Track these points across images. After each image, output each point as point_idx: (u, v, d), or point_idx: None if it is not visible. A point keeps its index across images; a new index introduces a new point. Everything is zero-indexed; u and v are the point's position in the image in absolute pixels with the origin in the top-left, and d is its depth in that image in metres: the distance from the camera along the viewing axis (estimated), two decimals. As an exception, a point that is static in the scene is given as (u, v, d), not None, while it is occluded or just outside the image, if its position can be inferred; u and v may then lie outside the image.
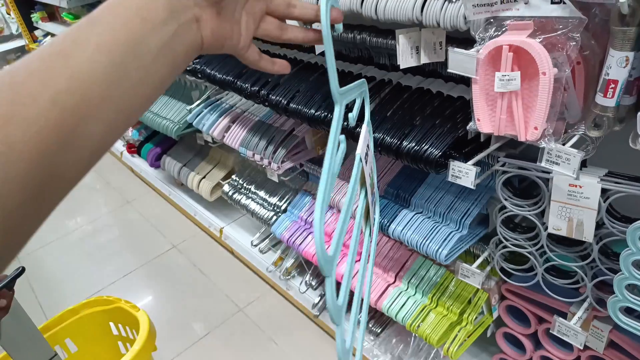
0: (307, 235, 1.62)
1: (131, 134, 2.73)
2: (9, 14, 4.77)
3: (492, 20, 0.89)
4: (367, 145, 0.60)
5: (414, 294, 1.35)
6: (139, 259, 2.39)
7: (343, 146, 0.46)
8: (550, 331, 1.07)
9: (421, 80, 1.19)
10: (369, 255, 0.67)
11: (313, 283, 1.78)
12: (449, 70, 0.93)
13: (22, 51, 5.17)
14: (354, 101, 0.59)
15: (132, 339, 1.52)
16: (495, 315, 1.28)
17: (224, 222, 2.28)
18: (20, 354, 1.02)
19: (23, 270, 0.97)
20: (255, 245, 2.05)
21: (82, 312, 1.53)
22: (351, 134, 1.13)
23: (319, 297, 1.73)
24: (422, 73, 1.20)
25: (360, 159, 0.54)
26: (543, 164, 0.88)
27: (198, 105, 1.89)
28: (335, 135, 0.42)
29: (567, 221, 0.94)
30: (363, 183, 0.61)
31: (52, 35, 3.32)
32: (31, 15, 3.41)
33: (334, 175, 0.41)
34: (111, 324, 1.54)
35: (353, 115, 0.54)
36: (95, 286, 2.25)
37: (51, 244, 2.65)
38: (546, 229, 0.98)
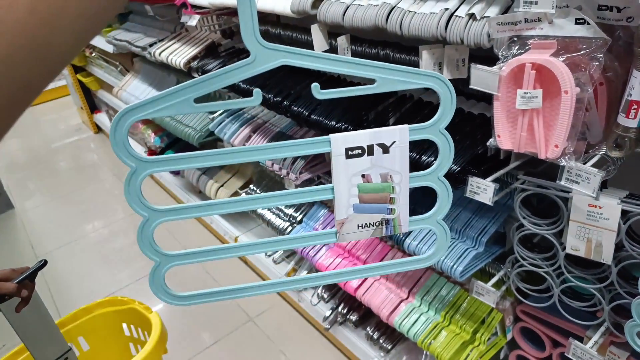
0: (322, 247, 1.63)
1: (153, 140, 2.78)
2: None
3: (515, 38, 0.90)
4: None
5: (427, 311, 1.34)
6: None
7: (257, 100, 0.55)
8: (566, 354, 1.05)
9: (442, 96, 1.20)
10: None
11: (325, 296, 1.77)
12: (470, 86, 0.94)
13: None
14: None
15: (143, 340, 1.53)
16: (509, 336, 1.26)
17: (240, 231, 2.29)
18: (36, 346, 1.04)
19: (45, 263, 1.00)
20: (269, 256, 2.06)
21: (95, 311, 1.54)
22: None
23: (330, 310, 1.72)
24: (444, 90, 1.21)
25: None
26: (563, 183, 0.88)
27: (220, 114, 1.93)
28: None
29: (585, 242, 0.93)
30: None
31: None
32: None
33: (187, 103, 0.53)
34: (124, 324, 1.55)
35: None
36: (109, 288, 2.28)
37: (68, 245, 2.70)
38: (564, 249, 0.97)
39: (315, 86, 0.55)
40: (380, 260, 1.47)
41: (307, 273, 1.86)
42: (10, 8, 0.28)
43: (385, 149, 0.61)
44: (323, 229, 1.66)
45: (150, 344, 1.27)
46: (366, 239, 1.53)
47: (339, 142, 0.58)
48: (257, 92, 0.56)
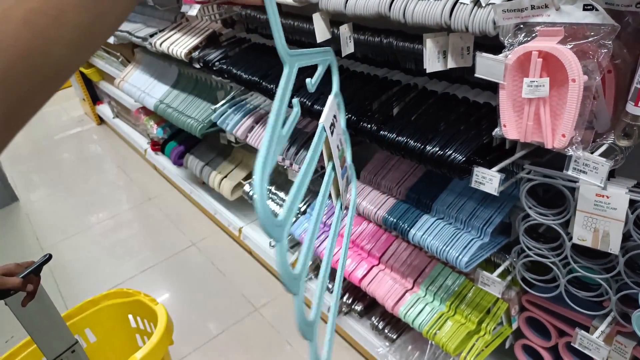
0: (326, 238, 1.62)
1: (156, 131, 2.78)
2: None
3: (521, 26, 0.89)
4: (335, 117, 0.62)
5: (432, 301, 1.34)
6: (158, 255, 2.42)
7: (297, 110, 0.47)
8: (572, 344, 1.05)
9: (447, 85, 1.18)
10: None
11: (330, 286, 1.77)
12: (476, 75, 0.92)
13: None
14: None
15: (149, 332, 1.54)
16: (514, 326, 1.26)
17: (244, 222, 2.29)
18: (43, 339, 1.04)
19: (50, 257, 1.00)
20: (274, 246, 2.06)
21: (102, 303, 1.55)
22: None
23: (335, 301, 1.72)
24: (448, 78, 1.19)
25: (324, 128, 0.55)
26: (570, 172, 0.87)
27: (223, 105, 1.92)
28: (282, 95, 0.43)
29: (592, 232, 0.92)
30: (330, 157, 0.62)
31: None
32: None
33: (280, 138, 0.42)
34: (130, 316, 1.56)
35: (312, 82, 0.56)
36: (114, 280, 2.29)
37: (73, 237, 2.71)
38: (570, 239, 0.96)
39: (308, 81, 0.55)
40: (386, 250, 1.47)
41: (312, 263, 1.86)
42: (3, 20, 0.27)
43: (335, 118, 0.66)
44: (327, 219, 1.65)
45: (156, 335, 1.28)
46: (370, 230, 1.52)
47: (327, 123, 0.60)
48: (297, 104, 0.53)
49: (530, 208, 1.00)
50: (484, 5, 0.91)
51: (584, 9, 0.81)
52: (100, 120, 4.23)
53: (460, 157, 1.00)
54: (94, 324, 1.55)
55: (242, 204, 2.31)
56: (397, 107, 1.22)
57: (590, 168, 0.85)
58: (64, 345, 1.14)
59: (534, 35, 0.87)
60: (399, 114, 1.19)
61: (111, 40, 2.69)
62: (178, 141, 2.66)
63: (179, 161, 2.61)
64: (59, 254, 2.54)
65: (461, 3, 0.93)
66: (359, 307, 1.64)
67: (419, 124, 1.13)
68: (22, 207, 3.16)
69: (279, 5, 1.58)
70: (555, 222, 0.98)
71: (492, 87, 1.09)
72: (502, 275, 1.12)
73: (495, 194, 0.97)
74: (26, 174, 3.62)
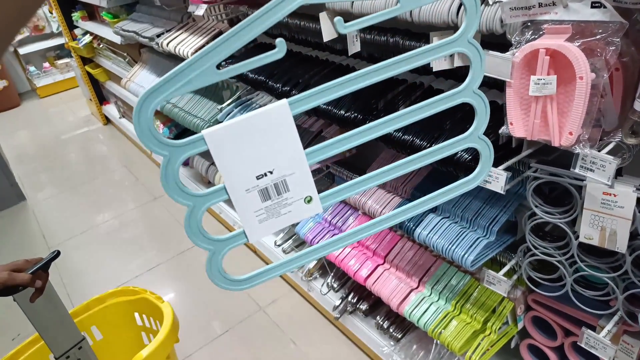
0: (332, 237, 1.62)
1: (162, 131, 2.79)
2: (51, 12, 4.96)
3: (529, 23, 0.89)
4: None
5: (437, 300, 1.34)
6: (164, 254, 2.43)
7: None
8: (578, 343, 1.04)
9: (453, 84, 1.19)
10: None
11: (335, 285, 1.77)
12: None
13: (61, 49, 5.36)
14: None
15: (155, 330, 1.54)
16: (520, 325, 1.26)
17: (249, 222, 2.30)
18: (51, 335, 1.05)
19: (58, 253, 1.00)
20: (279, 245, 2.07)
21: (108, 301, 1.56)
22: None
23: (340, 300, 1.73)
24: (455, 77, 1.19)
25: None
26: (577, 170, 0.87)
27: (229, 104, 1.93)
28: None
29: (599, 230, 0.92)
30: None
31: (91, 33, 3.43)
32: (72, 15, 3.53)
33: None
34: (136, 314, 1.57)
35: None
36: (120, 278, 2.30)
37: (79, 236, 2.72)
38: (577, 238, 0.96)
39: (338, 20, 0.55)
40: (391, 250, 1.47)
41: (316, 262, 1.86)
42: None
43: None
44: (332, 218, 1.65)
45: (162, 333, 1.28)
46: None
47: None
48: (280, 42, 0.54)
49: (536, 206, 1.00)
50: (491, 3, 0.91)
51: (592, 7, 0.81)
52: (107, 120, 4.26)
53: (466, 156, 1.00)
54: (100, 321, 1.56)
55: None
56: (403, 105, 1.22)
57: (597, 166, 0.85)
58: (71, 341, 1.15)
59: (541, 33, 0.87)
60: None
61: (118, 40, 2.70)
62: (184, 141, 2.67)
63: (186, 161, 2.62)
64: (66, 253, 2.55)
65: (468, 1, 0.93)
66: (363, 307, 1.64)
67: (424, 122, 1.13)
68: (29, 207, 3.18)
69: (285, 4, 1.59)
70: (562, 220, 0.97)
71: (499, 86, 1.09)
72: (508, 274, 1.12)
73: (502, 192, 0.97)
74: (33, 173, 3.65)
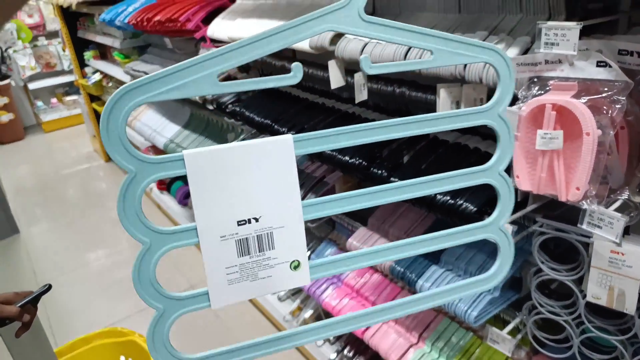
0: (329, 286, 1.58)
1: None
2: (64, 50, 5.09)
3: (535, 79, 0.90)
4: None
5: (438, 358, 1.28)
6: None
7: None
8: (586, 410, 0.99)
9: (458, 136, 1.19)
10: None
11: (331, 338, 1.71)
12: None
13: (70, 86, 5.47)
14: None
15: (140, 375, 1.47)
16: (523, 388, 1.20)
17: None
18: (31, 375, 1.00)
19: (49, 287, 0.97)
20: (283, 301, 2.01)
21: (94, 342, 1.50)
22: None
23: (336, 353, 1.66)
24: (460, 129, 1.20)
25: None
26: (584, 227, 0.86)
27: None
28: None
29: (607, 290, 0.90)
30: None
31: (101, 72, 3.51)
32: (84, 53, 3.63)
33: None
34: (122, 357, 1.50)
35: None
36: (109, 319, 2.23)
37: (70, 273, 2.66)
38: (584, 297, 0.93)
39: (364, 58, 0.51)
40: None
41: (313, 312, 1.81)
42: None
43: None
44: (331, 266, 1.62)
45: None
46: (375, 281, 1.49)
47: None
48: (297, 66, 0.49)
49: (542, 263, 0.98)
50: (498, 58, 0.93)
51: (598, 65, 0.82)
52: (108, 158, 4.27)
53: (471, 207, 0.99)
54: (83, 364, 1.49)
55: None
56: (407, 155, 1.22)
57: (605, 223, 0.84)
58: (52, 383, 1.09)
59: (547, 88, 0.88)
60: (409, 162, 1.19)
61: (128, 79, 2.76)
62: (185, 181, 2.67)
63: (184, 201, 2.60)
64: (54, 290, 2.46)
65: (475, 56, 0.95)
66: (360, 360, 1.57)
67: (429, 172, 1.12)
68: (22, 240, 3.13)
69: (292, 51, 1.63)
70: (569, 278, 0.95)
71: (504, 139, 1.10)
72: (512, 333, 1.08)
73: (507, 246, 0.95)
74: (29, 206, 3.62)
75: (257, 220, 0.49)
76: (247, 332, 2.03)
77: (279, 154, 0.49)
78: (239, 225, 0.49)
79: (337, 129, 0.51)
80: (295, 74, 0.49)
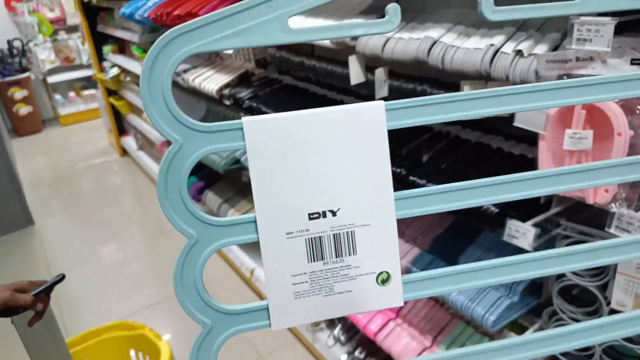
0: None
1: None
2: (83, 44, 5.15)
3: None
4: None
5: (451, 361, 1.25)
6: (165, 291, 2.36)
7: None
8: (607, 422, 0.96)
9: (480, 135, 1.17)
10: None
11: (342, 338, 1.69)
12: (515, 124, 0.90)
13: (88, 80, 5.52)
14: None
15: (150, 369, 1.47)
16: (540, 397, 1.17)
17: (257, 264, 2.24)
18: (42, 363, 0.99)
19: (63, 277, 0.97)
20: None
21: (104, 334, 1.50)
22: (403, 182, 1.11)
23: (347, 355, 1.64)
24: (482, 128, 1.17)
25: None
26: (612, 231, 0.82)
27: (248, 143, 1.92)
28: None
29: (633, 297, 0.86)
30: None
31: (119, 67, 3.53)
32: (102, 48, 3.66)
33: None
34: (132, 351, 1.50)
35: None
36: (119, 312, 2.23)
37: (83, 265, 2.68)
38: (609, 304, 0.90)
39: (485, 1, 0.38)
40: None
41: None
42: None
43: None
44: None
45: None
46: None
47: None
48: (394, 9, 0.37)
49: (565, 267, 0.95)
50: (526, 55, 0.90)
51: (632, 63, 0.79)
52: (124, 152, 4.30)
53: (494, 209, 0.97)
54: (94, 355, 1.49)
55: (257, 245, 2.26)
56: (426, 154, 1.20)
57: (634, 227, 0.80)
58: (63, 373, 1.08)
59: (577, 87, 0.85)
60: (429, 161, 1.17)
61: (145, 74, 2.77)
62: (199, 177, 2.66)
63: (197, 197, 2.60)
64: (67, 281, 2.47)
65: (502, 52, 0.92)
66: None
67: (449, 172, 1.10)
68: (36, 232, 3.15)
69: (312, 47, 1.61)
70: (593, 284, 0.92)
71: (528, 139, 1.07)
72: (531, 339, 1.05)
73: (529, 249, 0.92)
74: (45, 199, 3.65)
75: (334, 213, 0.39)
76: (259, 331, 2.01)
77: (365, 126, 0.38)
78: (310, 219, 0.39)
79: (443, 96, 0.40)
80: (391, 18, 0.38)
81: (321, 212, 0.39)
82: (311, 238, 0.39)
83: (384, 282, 0.41)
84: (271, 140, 0.38)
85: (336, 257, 0.40)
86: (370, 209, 0.39)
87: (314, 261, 0.40)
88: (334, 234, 0.39)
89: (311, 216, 0.39)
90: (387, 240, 0.40)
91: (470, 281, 0.44)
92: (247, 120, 0.37)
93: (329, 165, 0.38)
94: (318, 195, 0.39)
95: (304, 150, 0.38)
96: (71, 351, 1.44)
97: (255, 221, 0.40)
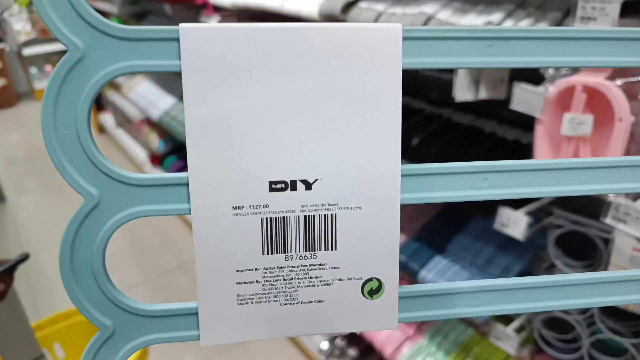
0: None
1: (158, 144, 2.71)
2: (60, 18, 4.95)
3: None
4: None
5: (434, 352, 1.23)
6: (143, 273, 2.31)
7: None
8: (591, 415, 0.94)
9: (473, 119, 1.12)
10: None
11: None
12: (511, 107, 0.86)
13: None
14: None
15: (123, 354, 1.41)
16: (523, 388, 1.15)
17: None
18: (5, 346, 0.93)
19: (27, 257, 0.90)
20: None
21: (75, 317, 1.43)
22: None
23: (328, 343, 1.60)
24: (475, 112, 1.13)
25: None
26: (608, 221, 0.79)
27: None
28: None
29: (625, 290, 0.84)
30: None
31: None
32: (81, 21, 3.51)
33: None
34: (104, 335, 1.44)
35: None
36: (94, 294, 2.16)
37: (56, 245, 2.56)
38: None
39: None
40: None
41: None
42: None
43: None
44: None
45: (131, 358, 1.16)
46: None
47: None
48: None
49: (556, 258, 0.92)
50: (524, 34, 0.86)
51: (638, 45, 0.75)
52: (101, 130, 4.17)
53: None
54: (64, 338, 1.43)
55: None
56: (417, 137, 1.15)
57: (631, 217, 0.77)
58: (28, 356, 1.03)
59: (577, 69, 0.81)
60: (419, 145, 1.12)
61: (124, 48, 2.66)
62: (179, 156, 2.59)
63: (177, 177, 2.53)
64: (40, 261, 2.41)
65: (500, 31, 0.88)
66: (353, 352, 1.52)
67: (439, 156, 1.06)
68: (9, 209, 3.04)
69: (299, 20, 1.54)
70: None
71: (522, 124, 1.03)
72: (517, 330, 1.03)
73: (521, 238, 0.89)
74: (18, 176, 3.53)
75: (309, 185, 0.27)
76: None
77: (370, 59, 0.26)
78: (272, 190, 0.27)
79: (464, 28, 0.29)
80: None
81: (289, 182, 0.27)
82: (270, 219, 0.27)
83: (372, 293, 0.29)
84: (221, 63, 0.25)
85: (305, 251, 0.28)
86: (364, 184, 0.27)
87: (272, 253, 0.28)
88: (305, 216, 0.27)
89: (273, 186, 0.27)
90: (383, 233, 0.28)
91: (505, 303, 0.32)
92: (186, 27, 0.25)
93: (308, 112, 0.26)
94: (287, 155, 0.26)
95: (272, 85, 0.25)
96: (40, 334, 1.38)
97: (187, 184, 0.27)
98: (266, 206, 0.27)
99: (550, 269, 0.94)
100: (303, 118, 0.26)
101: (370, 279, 0.29)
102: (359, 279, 0.29)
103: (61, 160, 0.28)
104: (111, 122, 3.87)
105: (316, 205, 0.27)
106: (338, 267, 0.28)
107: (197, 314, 0.31)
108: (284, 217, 0.27)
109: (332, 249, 0.28)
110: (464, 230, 1.15)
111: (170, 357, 1.83)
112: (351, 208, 0.28)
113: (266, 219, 0.27)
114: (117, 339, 0.32)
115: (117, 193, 0.29)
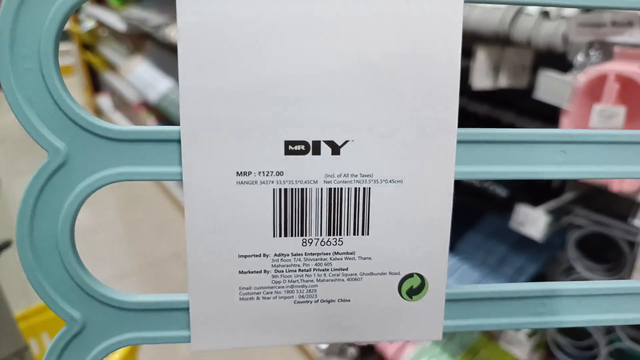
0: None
1: (154, 130, 2.64)
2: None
3: (596, 44, 0.76)
4: None
5: (439, 354, 1.17)
6: (136, 262, 2.26)
7: None
8: None
9: (489, 109, 1.05)
10: None
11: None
12: (535, 96, 0.79)
13: (62, 34, 5.22)
14: None
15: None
16: (530, 393, 1.09)
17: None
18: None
19: (8, 244, 0.84)
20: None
21: (64, 306, 1.38)
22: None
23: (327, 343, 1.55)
24: (491, 102, 1.06)
25: None
26: (636, 222, 0.73)
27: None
28: None
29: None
30: None
31: (97, 20, 3.30)
32: None
33: None
34: (93, 325, 1.38)
35: None
36: (86, 281, 2.11)
37: (51, 229, 2.53)
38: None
39: None
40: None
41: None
42: None
43: None
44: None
45: (120, 351, 1.10)
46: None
47: None
48: None
49: (575, 260, 0.86)
50: (551, 18, 0.78)
51: (681, 31, 0.68)
52: (98, 113, 4.10)
53: (502, 190, 0.86)
54: (53, 328, 1.37)
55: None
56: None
57: (664, 221, 0.71)
58: (10, 348, 0.97)
59: (609, 56, 0.74)
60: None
61: (123, 27, 2.57)
62: (176, 142, 2.52)
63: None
64: (31, 246, 2.36)
65: (525, 15, 0.80)
66: (353, 351, 1.46)
67: (452, 148, 0.99)
68: (1, 192, 2.98)
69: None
70: (605, 279, 0.83)
71: (543, 116, 0.96)
72: (528, 335, 0.97)
73: (540, 237, 0.83)
74: (12, 158, 3.46)
75: (336, 149, 0.21)
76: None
77: (427, 24, 0.20)
78: (288, 152, 0.21)
79: None
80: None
81: (310, 143, 0.20)
82: (285, 190, 0.21)
83: (411, 293, 0.23)
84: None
85: (329, 235, 0.22)
86: (409, 151, 0.21)
87: (286, 235, 0.21)
88: (329, 189, 0.21)
89: (290, 147, 0.20)
90: (431, 215, 0.22)
91: (579, 313, 0.27)
92: None
93: (338, 56, 0.19)
94: (309, 109, 0.20)
95: (298, 24, 0.19)
96: (26, 324, 1.32)
97: (179, 140, 0.21)
98: (280, 173, 0.21)
99: (569, 271, 0.88)
100: (334, 65, 0.19)
101: (410, 275, 0.23)
102: (396, 274, 0.23)
103: (17, 98, 0.23)
104: (109, 105, 3.80)
105: (345, 175, 0.21)
106: (370, 258, 0.22)
107: (188, 309, 0.24)
108: (302, 189, 0.21)
109: (363, 234, 0.22)
110: (475, 227, 1.09)
111: (161, 349, 1.78)
112: (390, 181, 0.21)
113: (279, 189, 0.21)
114: (88, 336, 0.26)
115: (91, 149, 0.23)
